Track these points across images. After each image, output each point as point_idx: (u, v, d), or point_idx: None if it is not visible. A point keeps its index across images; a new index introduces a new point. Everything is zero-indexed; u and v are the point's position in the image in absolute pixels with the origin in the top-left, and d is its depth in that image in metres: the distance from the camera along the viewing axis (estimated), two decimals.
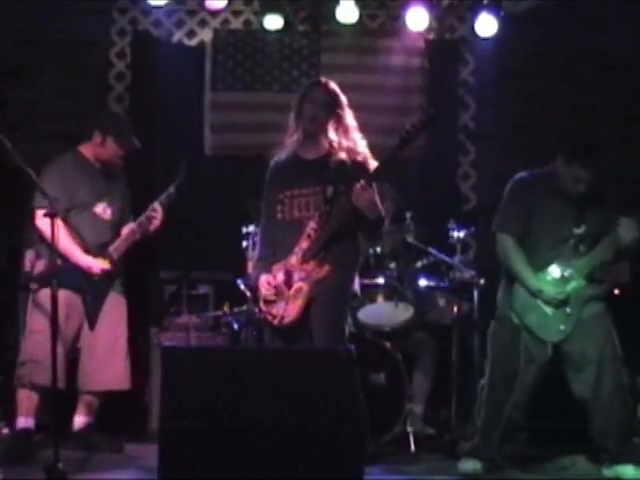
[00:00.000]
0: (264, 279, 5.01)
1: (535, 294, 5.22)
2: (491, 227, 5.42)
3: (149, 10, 7.64)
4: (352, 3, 7.46)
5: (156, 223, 5.85)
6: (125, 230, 5.82)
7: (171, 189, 5.89)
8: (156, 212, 5.83)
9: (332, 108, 5.05)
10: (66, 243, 5.51)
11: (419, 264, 6.45)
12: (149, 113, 7.49)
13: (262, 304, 5.06)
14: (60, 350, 5.28)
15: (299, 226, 4.97)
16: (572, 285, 5.23)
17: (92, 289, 5.66)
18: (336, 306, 4.98)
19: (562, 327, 5.21)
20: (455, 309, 6.21)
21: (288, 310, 4.94)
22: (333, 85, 5.12)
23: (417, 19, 7.49)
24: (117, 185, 5.91)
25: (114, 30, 7.70)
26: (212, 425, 3.79)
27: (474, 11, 7.49)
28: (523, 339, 5.23)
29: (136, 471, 5.25)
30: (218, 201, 7.38)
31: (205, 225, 7.36)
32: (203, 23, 7.74)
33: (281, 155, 5.21)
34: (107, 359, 5.71)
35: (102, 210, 5.75)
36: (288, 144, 5.17)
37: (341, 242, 4.98)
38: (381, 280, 6.20)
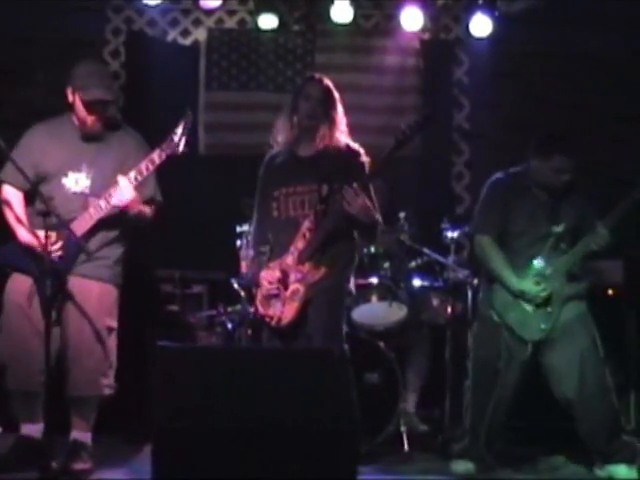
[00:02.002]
0: (265, 274, 4.99)
1: (517, 294, 5.24)
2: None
3: (143, 9, 7.64)
4: (347, 3, 7.45)
5: (120, 198, 4.93)
6: (90, 205, 5.01)
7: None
8: (119, 186, 4.93)
9: (327, 104, 5.05)
10: (9, 216, 5.03)
11: (413, 264, 6.46)
12: (143, 112, 7.48)
13: (259, 304, 5.05)
14: (36, 348, 4.79)
15: (295, 224, 4.97)
16: (553, 284, 5.24)
17: (42, 272, 4.78)
18: (333, 306, 4.99)
19: (543, 325, 5.24)
20: (449, 309, 6.22)
21: (285, 311, 4.93)
22: (327, 81, 5.13)
23: (412, 19, 7.49)
24: (109, 153, 5.14)
25: (108, 29, 7.70)
26: (206, 425, 3.78)
27: (469, 11, 7.49)
28: (504, 337, 5.26)
29: (129, 470, 5.23)
30: (212, 200, 7.38)
31: (199, 224, 7.35)
32: (197, 22, 7.74)
33: (275, 151, 5.20)
34: (77, 358, 5.01)
35: (74, 182, 5.05)
36: (281, 141, 5.16)
37: (337, 242, 4.98)
38: (375, 280, 6.20)
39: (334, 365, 4.00)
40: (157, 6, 7.54)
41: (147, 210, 5.25)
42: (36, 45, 7.45)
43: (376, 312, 6.12)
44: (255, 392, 3.85)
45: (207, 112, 7.66)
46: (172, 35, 7.73)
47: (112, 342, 5.18)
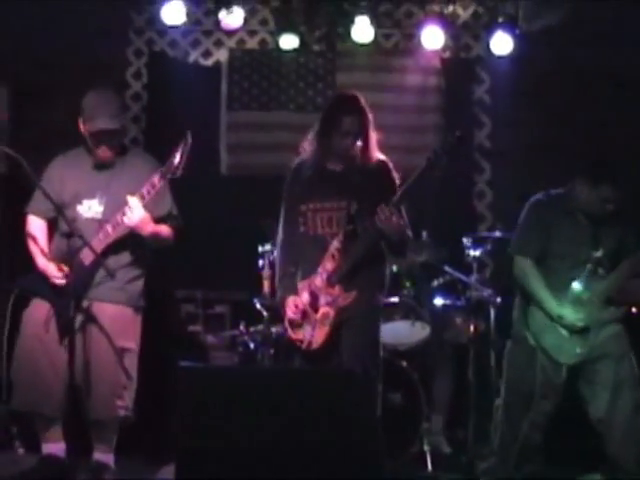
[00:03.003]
0: (291, 301, 4.90)
1: (555, 319, 5.20)
2: (508, 248, 5.41)
3: (165, 30, 7.68)
4: (367, 22, 7.46)
5: (131, 217, 4.97)
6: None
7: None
8: (129, 206, 4.97)
9: (361, 125, 4.94)
10: (31, 246, 5.18)
11: (435, 283, 6.44)
12: (165, 133, 7.50)
13: (288, 327, 4.95)
14: (48, 372, 4.99)
15: (322, 243, 4.88)
16: (590, 309, 5.20)
17: (58, 298, 5.00)
18: (367, 329, 4.88)
19: (578, 350, 5.18)
20: (472, 328, 6.18)
21: (315, 335, 4.84)
22: (360, 99, 5.01)
23: (432, 38, 7.49)
24: (121, 179, 5.17)
25: (130, 51, 7.75)
26: (227, 445, 3.78)
27: (489, 30, 7.49)
28: (539, 360, 5.20)
29: None
30: (234, 220, 7.39)
31: (221, 244, 7.36)
32: (219, 43, 7.78)
33: (302, 159, 5.10)
34: (91, 381, 5.02)
35: (87, 208, 5.14)
36: (310, 150, 5.05)
37: (368, 264, 4.87)
38: (397, 299, 6.19)
39: (359, 386, 3.97)
40: (178, 27, 7.57)
41: (163, 231, 5.26)
42: (58, 67, 7.49)
43: (399, 331, 6.11)
44: (277, 413, 3.83)
45: (229, 132, 7.69)
46: (193, 56, 7.76)
47: (129, 363, 5.16)
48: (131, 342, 5.19)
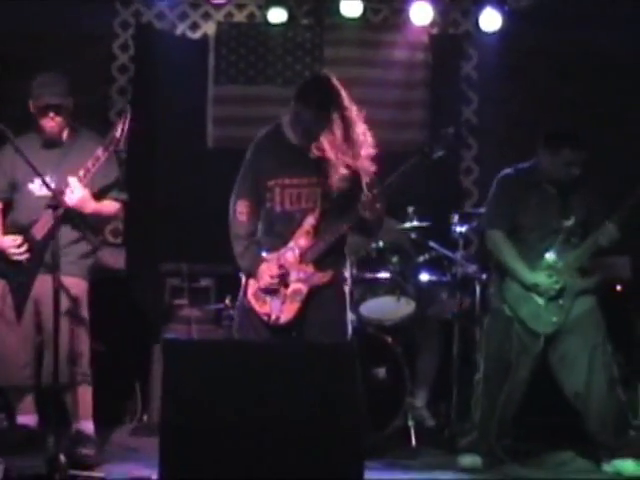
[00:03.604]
0: (265, 271, 4.76)
1: (530, 287, 5.26)
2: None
3: (152, 2, 7.63)
4: None
5: (71, 197, 5.13)
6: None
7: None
8: (69, 186, 5.16)
9: (327, 119, 4.67)
10: None
11: (421, 259, 6.45)
12: (152, 106, 7.50)
13: (252, 298, 4.82)
14: (14, 344, 5.29)
15: (291, 218, 4.77)
16: (564, 277, 5.26)
17: (13, 272, 5.30)
18: (336, 306, 4.81)
19: (554, 319, 5.27)
20: (457, 304, 6.21)
21: (284, 310, 4.75)
22: (331, 86, 4.72)
23: (421, 13, 7.47)
24: (71, 157, 5.35)
25: (117, 22, 7.69)
26: (211, 420, 3.77)
27: (478, 6, 7.48)
28: (516, 331, 5.28)
29: (136, 464, 5.23)
30: (220, 193, 7.34)
31: (207, 217, 7.34)
32: (207, 16, 7.73)
33: (267, 131, 4.93)
34: (52, 349, 5.03)
35: (37, 186, 5.28)
36: (278, 123, 4.88)
37: (338, 244, 4.81)
38: (383, 274, 6.19)
39: (342, 360, 3.98)
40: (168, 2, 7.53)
41: (106, 208, 5.44)
42: (43, 39, 7.43)
43: (384, 307, 6.12)
44: (262, 387, 3.83)
45: (215, 106, 7.66)
46: (181, 28, 7.71)
47: (83, 332, 5.32)
48: (86, 312, 5.37)
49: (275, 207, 4.81)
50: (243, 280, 4.92)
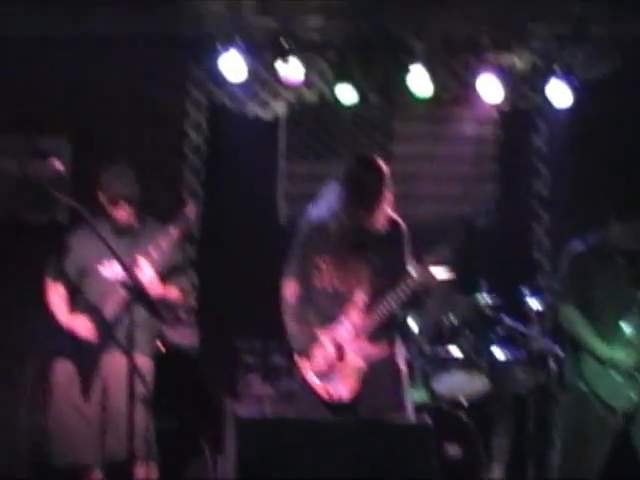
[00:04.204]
0: (319, 352, 4.82)
1: (607, 363, 5.18)
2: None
3: (223, 82, 7.73)
4: (424, 73, 7.43)
5: (143, 277, 5.32)
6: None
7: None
8: (139, 267, 5.42)
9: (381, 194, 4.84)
10: (54, 306, 5.61)
11: (494, 334, 6.40)
12: (224, 183, 7.60)
13: (314, 378, 4.85)
14: (79, 423, 5.42)
15: (340, 297, 4.84)
16: None
17: (81, 353, 5.49)
18: (394, 380, 4.85)
19: (633, 394, 5.17)
20: (532, 379, 6.13)
21: (345, 387, 4.78)
22: (383, 170, 4.89)
23: (489, 88, 7.49)
24: (140, 243, 5.55)
25: (189, 101, 7.82)
26: None
27: (546, 79, 7.47)
28: (593, 407, 5.18)
29: None
30: None
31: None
32: (277, 96, 7.80)
33: (317, 216, 5.06)
34: (112, 428, 5.39)
35: (109, 269, 5.50)
36: (325, 207, 5.04)
37: (392, 318, 4.86)
38: (455, 350, 6.16)
39: (416, 439, 3.95)
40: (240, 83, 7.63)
41: (171, 294, 5.66)
42: (116, 116, 7.60)
43: (457, 383, 6.09)
44: (337, 465, 3.82)
45: (286, 182, 7.74)
46: (252, 108, 7.80)
47: (143, 409, 5.26)
48: (148, 389, 5.37)
49: (324, 285, 4.88)
50: (297, 359, 4.96)
